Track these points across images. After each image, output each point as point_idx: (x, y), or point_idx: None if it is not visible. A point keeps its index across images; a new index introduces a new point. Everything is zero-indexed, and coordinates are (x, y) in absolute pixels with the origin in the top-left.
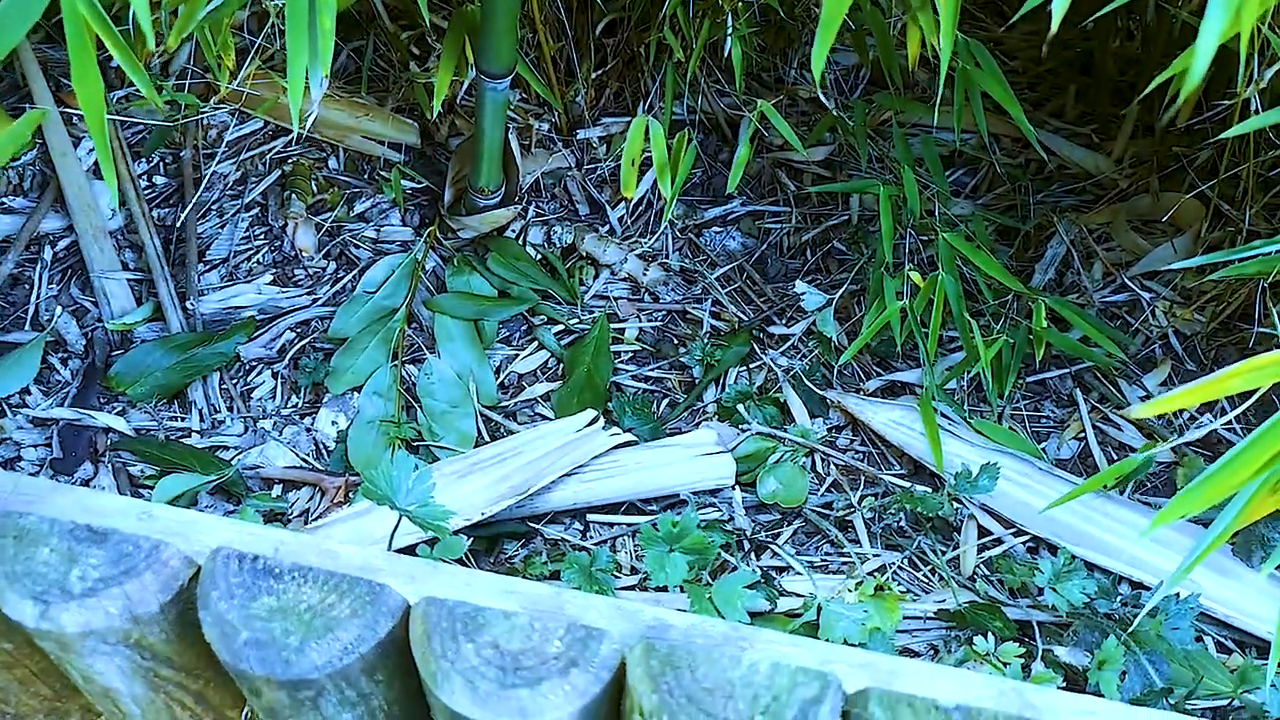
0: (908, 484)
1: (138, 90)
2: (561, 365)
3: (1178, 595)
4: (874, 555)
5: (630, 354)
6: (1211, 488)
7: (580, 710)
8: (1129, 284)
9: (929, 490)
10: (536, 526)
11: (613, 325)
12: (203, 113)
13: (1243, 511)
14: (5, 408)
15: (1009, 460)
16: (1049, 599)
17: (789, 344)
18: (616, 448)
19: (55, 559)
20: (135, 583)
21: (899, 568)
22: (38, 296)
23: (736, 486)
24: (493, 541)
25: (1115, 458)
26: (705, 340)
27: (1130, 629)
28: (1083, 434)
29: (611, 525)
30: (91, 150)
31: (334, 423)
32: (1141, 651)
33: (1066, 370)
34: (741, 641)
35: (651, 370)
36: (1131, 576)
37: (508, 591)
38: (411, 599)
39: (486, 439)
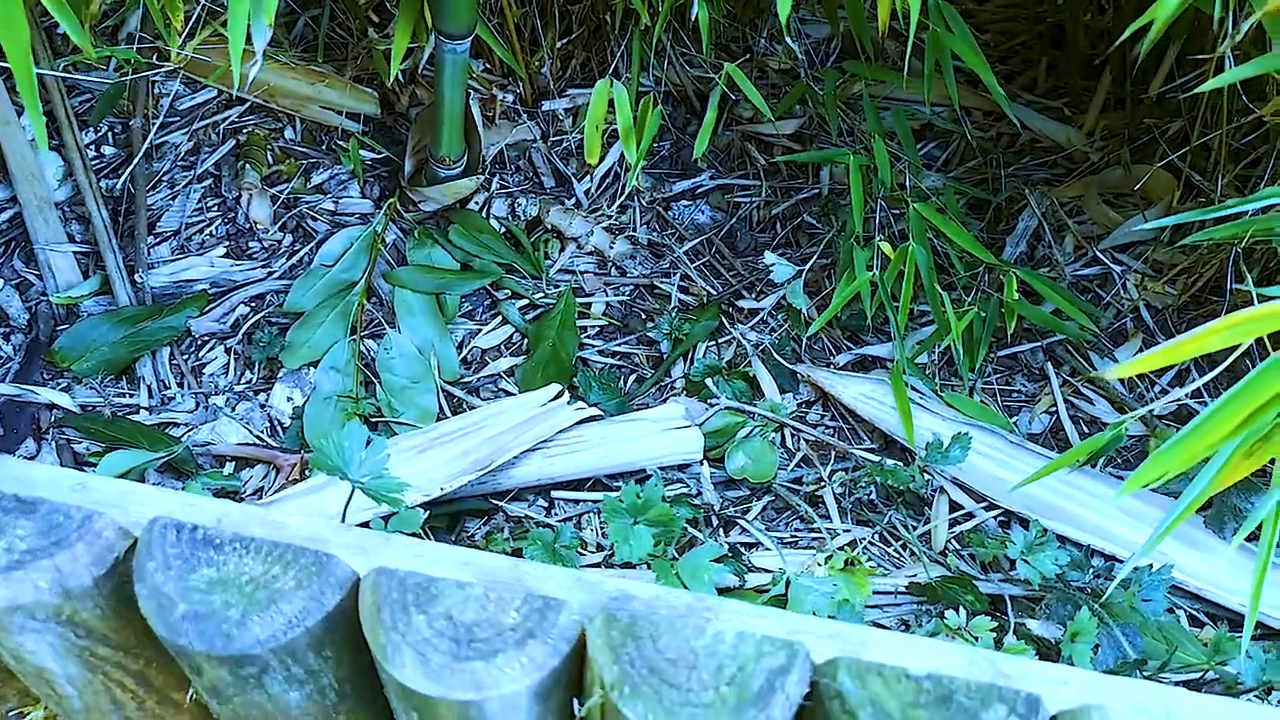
0: (878, 458)
1: (86, 57)
2: (526, 340)
3: (1150, 566)
4: (844, 530)
5: (596, 329)
6: (1185, 449)
7: (538, 683)
8: (1100, 257)
9: (900, 464)
10: (499, 503)
11: (579, 299)
12: (153, 77)
13: (1219, 474)
14: None
15: (980, 434)
16: (1021, 572)
17: (758, 318)
18: (582, 423)
19: None
20: (66, 554)
21: (869, 542)
22: None
23: (705, 462)
24: (454, 519)
25: (1086, 431)
26: (673, 314)
27: (1102, 600)
28: (1054, 407)
29: (577, 502)
30: None
31: (289, 399)
32: (1114, 623)
33: (1038, 343)
34: (706, 612)
35: (618, 345)
36: (1103, 549)
37: (463, 563)
38: (361, 571)
39: (448, 415)
